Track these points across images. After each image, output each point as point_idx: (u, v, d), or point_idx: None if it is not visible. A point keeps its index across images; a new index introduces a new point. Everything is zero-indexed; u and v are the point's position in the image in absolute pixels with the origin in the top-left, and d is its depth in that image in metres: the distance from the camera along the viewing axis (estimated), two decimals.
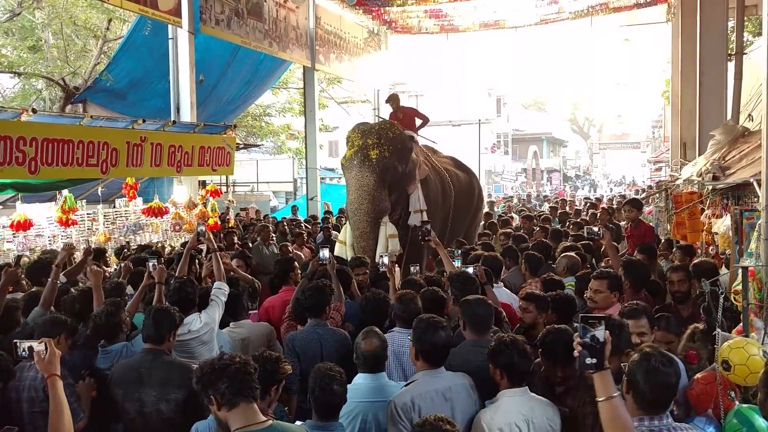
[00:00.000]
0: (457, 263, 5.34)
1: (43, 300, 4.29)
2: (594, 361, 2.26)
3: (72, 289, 4.83)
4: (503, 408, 2.95)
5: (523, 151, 49.82)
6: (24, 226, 7.12)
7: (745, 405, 2.64)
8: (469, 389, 3.18)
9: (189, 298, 4.16)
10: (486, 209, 12.17)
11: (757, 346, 2.71)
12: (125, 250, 7.96)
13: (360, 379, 3.32)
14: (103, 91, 11.29)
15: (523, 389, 3.02)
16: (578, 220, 10.55)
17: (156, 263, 4.53)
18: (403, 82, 33.57)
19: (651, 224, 8.33)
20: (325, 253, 5.11)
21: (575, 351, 2.30)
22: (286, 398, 3.77)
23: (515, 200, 23.32)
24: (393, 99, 8.46)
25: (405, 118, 8.15)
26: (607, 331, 2.28)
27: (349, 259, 6.53)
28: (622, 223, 8.83)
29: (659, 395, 2.40)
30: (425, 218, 6.82)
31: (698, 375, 2.96)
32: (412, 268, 5.67)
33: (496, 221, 10.98)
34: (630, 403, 2.40)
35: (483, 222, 11.22)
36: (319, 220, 12.42)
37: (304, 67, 14.79)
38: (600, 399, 2.28)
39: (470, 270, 4.52)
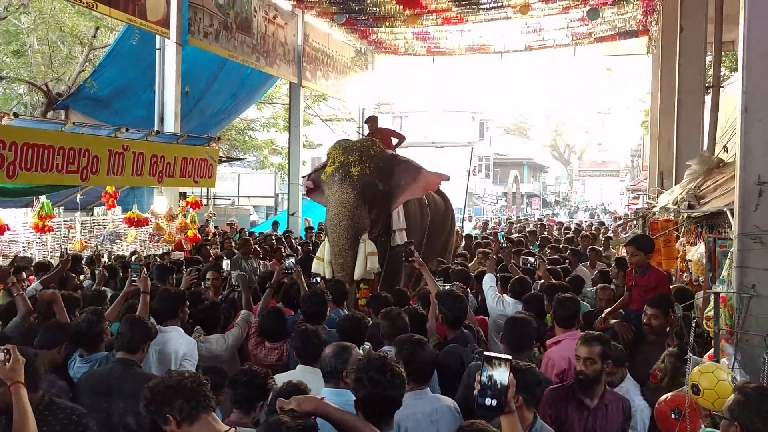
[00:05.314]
0: (439, 283, 5.35)
1: (22, 312, 4.23)
2: (494, 402, 2.07)
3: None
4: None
5: (504, 174, 50.29)
6: None
7: (709, 429, 2.68)
8: (454, 412, 3.15)
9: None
10: (470, 231, 12.18)
11: (726, 372, 2.76)
12: (103, 259, 7.87)
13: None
14: (87, 98, 11.19)
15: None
16: (558, 245, 10.67)
17: (139, 270, 4.45)
18: (388, 102, 33.76)
19: (665, 272, 5.60)
20: (290, 261, 5.17)
21: (475, 390, 2.12)
22: None
23: (493, 223, 23.44)
24: (372, 120, 8.67)
25: (383, 139, 8.23)
26: (511, 374, 2.09)
27: (326, 276, 6.45)
28: (612, 268, 7.08)
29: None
30: (405, 237, 6.84)
31: (665, 396, 3.01)
32: None
33: (480, 241, 11.04)
34: None
35: (464, 243, 11.30)
36: (300, 236, 12.41)
37: (290, 83, 14.85)
38: None
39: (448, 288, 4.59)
